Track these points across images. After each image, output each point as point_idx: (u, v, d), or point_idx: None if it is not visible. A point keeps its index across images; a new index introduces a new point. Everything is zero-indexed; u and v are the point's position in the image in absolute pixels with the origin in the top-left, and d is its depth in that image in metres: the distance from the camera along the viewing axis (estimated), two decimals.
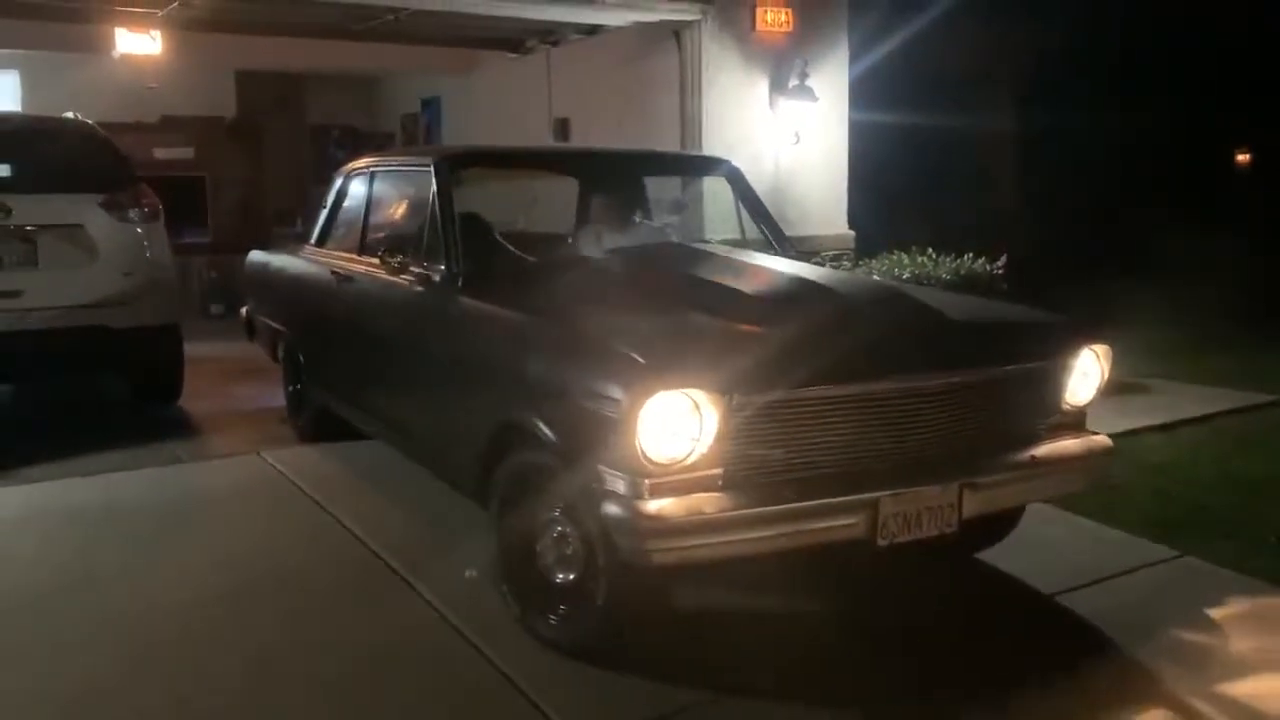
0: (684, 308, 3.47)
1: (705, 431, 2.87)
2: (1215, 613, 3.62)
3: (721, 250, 4.57)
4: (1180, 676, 3.18)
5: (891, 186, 10.57)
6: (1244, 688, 3.14)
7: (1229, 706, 3.05)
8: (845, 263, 7.63)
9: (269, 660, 3.26)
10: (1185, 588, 3.82)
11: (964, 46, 12.92)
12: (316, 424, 5.57)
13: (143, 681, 3.14)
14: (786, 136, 8.39)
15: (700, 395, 2.85)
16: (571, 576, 3.24)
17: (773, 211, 8.21)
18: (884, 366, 3.12)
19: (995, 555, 4.02)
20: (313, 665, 3.22)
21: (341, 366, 5.13)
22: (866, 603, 3.69)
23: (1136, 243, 10.87)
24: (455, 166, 4.35)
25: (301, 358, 5.65)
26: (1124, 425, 5.89)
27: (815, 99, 8.29)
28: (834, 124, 8.69)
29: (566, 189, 5.18)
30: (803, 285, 3.78)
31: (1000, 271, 6.73)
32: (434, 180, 4.23)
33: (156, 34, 9.07)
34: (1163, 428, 5.94)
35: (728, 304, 3.47)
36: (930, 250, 6.88)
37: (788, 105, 8.31)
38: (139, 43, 9.08)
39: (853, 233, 8.76)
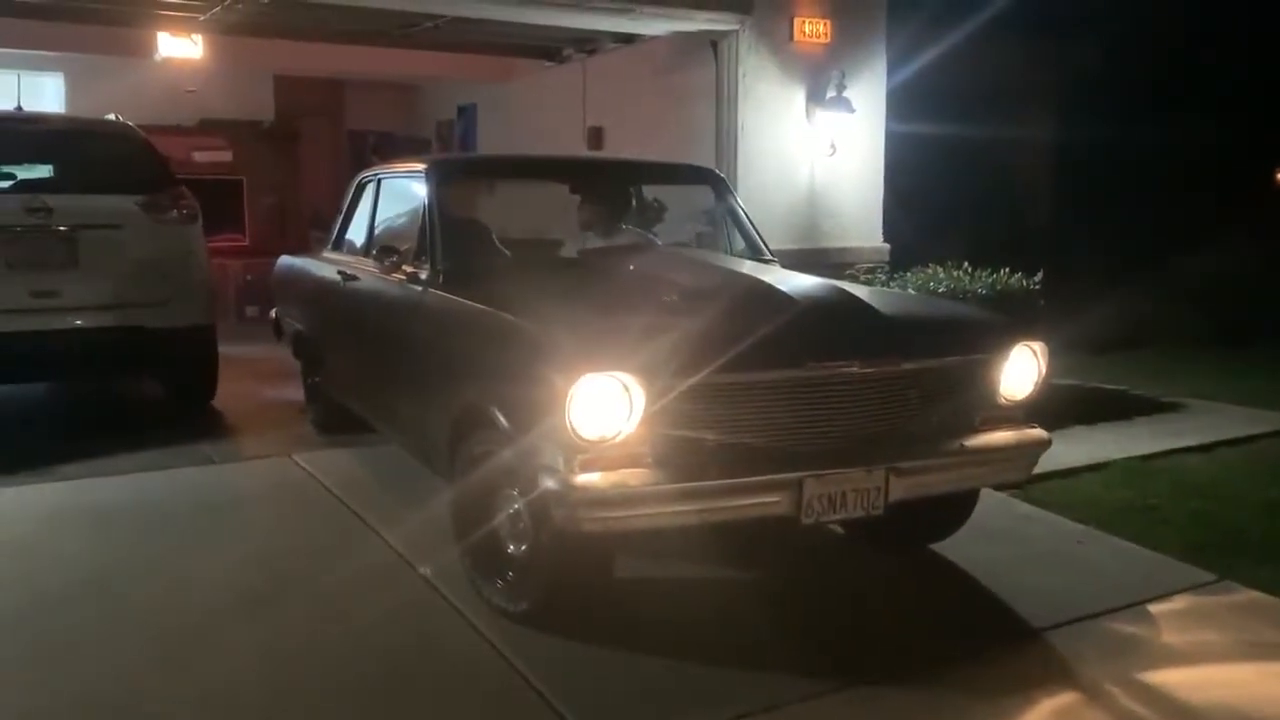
0: (629, 300, 3.73)
1: (633, 412, 3.09)
2: (1254, 638, 3.54)
3: (688, 252, 4.83)
4: (1217, 702, 3.10)
5: (928, 199, 10.47)
6: None
7: None
8: (879, 276, 7.57)
9: (295, 661, 3.26)
10: (1224, 612, 3.73)
11: (1003, 60, 12.80)
12: (328, 415, 5.87)
13: (170, 681, 3.14)
14: (823, 148, 8.33)
15: (627, 378, 3.07)
16: (523, 548, 3.50)
17: (808, 223, 8.36)
18: (800, 356, 3.32)
19: (1029, 574, 3.97)
20: (338, 668, 3.22)
21: (344, 359, 5.49)
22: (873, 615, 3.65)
23: (1176, 260, 10.72)
24: (445, 173, 4.73)
25: (314, 352, 5.96)
26: (1162, 445, 5.83)
27: (852, 110, 8.24)
28: (871, 136, 8.62)
29: (558, 195, 5.36)
30: (745, 281, 3.98)
31: (1037, 287, 6.66)
32: (425, 185, 4.53)
33: (198, 38, 9.19)
34: (1202, 449, 5.84)
35: (670, 297, 3.69)
36: (966, 264, 6.82)
37: (824, 116, 8.25)
38: (180, 47, 9.21)
39: (888, 246, 8.69)
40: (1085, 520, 4.58)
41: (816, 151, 8.33)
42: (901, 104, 9.02)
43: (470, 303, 3.93)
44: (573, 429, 3.07)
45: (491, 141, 11.96)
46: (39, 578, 3.90)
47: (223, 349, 6.47)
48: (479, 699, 3.09)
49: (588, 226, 4.96)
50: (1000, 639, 3.51)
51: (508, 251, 4.59)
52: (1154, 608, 3.71)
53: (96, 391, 7.28)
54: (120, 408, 7.05)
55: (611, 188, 5.19)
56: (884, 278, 7.32)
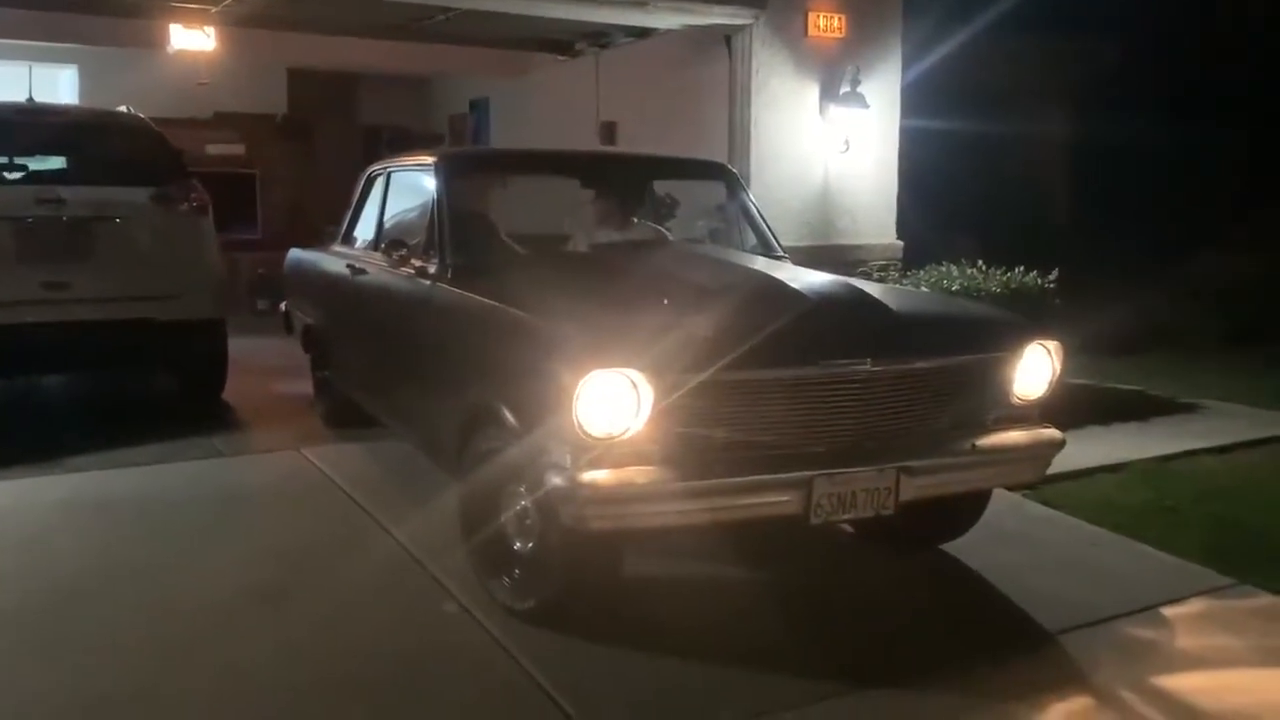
0: (639, 297, 3.68)
1: (641, 409, 3.06)
2: (1273, 643, 3.49)
3: (699, 248, 4.80)
4: (1233, 708, 3.06)
5: (942, 197, 10.40)
6: None
7: None
8: (892, 273, 7.53)
9: (302, 657, 3.24)
10: (1242, 617, 3.68)
11: (1019, 56, 12.72)
12: (337, 409, 5.83)
13: (180, 675, 3.13)
14: (836, 144, 8.27)
15: (635, 375, 3.04)
16: (530, 545, 3.48)
17: (821, 220, 8.31)
18: (811, 354, 3.28)
19: (1042, 576, 3.92)
20: (345, 663, 3.20)
21: (353, 354, 5.48)
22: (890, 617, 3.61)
23: (1193, 260, 10.63)
24: (455, 166, 4.69)
25: (323, 346, 5.93)
26: (1179, 446, 5.76)
27: (866, 106, 8.17)
28: (885, 132, 8.56)
29: (570, 190, 5.34)
30: (757, 278, 3.96)
31: (1052, 285, 6.59)
32: (435, 179, 4.48)
33: (210, 30, 9.17)
34: (1219, 450, 5.77)
35: (680, 293, 3.64)
36: (980, 262, 6.76)
37: (838, 112, 8.19)
38: (193, 39, 9.19)
39: (901, 243, 8.63)
40: (1100, 522, 4.53)
41: (830, 147, 8.27)
42: (916, 100, 8.95)
43: (479, 298, 3.90)
44: (580, 426, 3.05)
45: (504, 136, 11.95)
46: (48, 569, 3.90)
47: (233, 342, 6.45)
48: (485, 696, 3.07)
49: (599, 221, 4.93)
50: (1013, 642, 3.46)
51: (518, 246, 4.56)
52: (1169, 611, 3.66)
53: (106, 384, 7.28)
54: (130, 400, 7.04)
55: (623, 183, 5.15)
56: (897, 275, 7.27)
